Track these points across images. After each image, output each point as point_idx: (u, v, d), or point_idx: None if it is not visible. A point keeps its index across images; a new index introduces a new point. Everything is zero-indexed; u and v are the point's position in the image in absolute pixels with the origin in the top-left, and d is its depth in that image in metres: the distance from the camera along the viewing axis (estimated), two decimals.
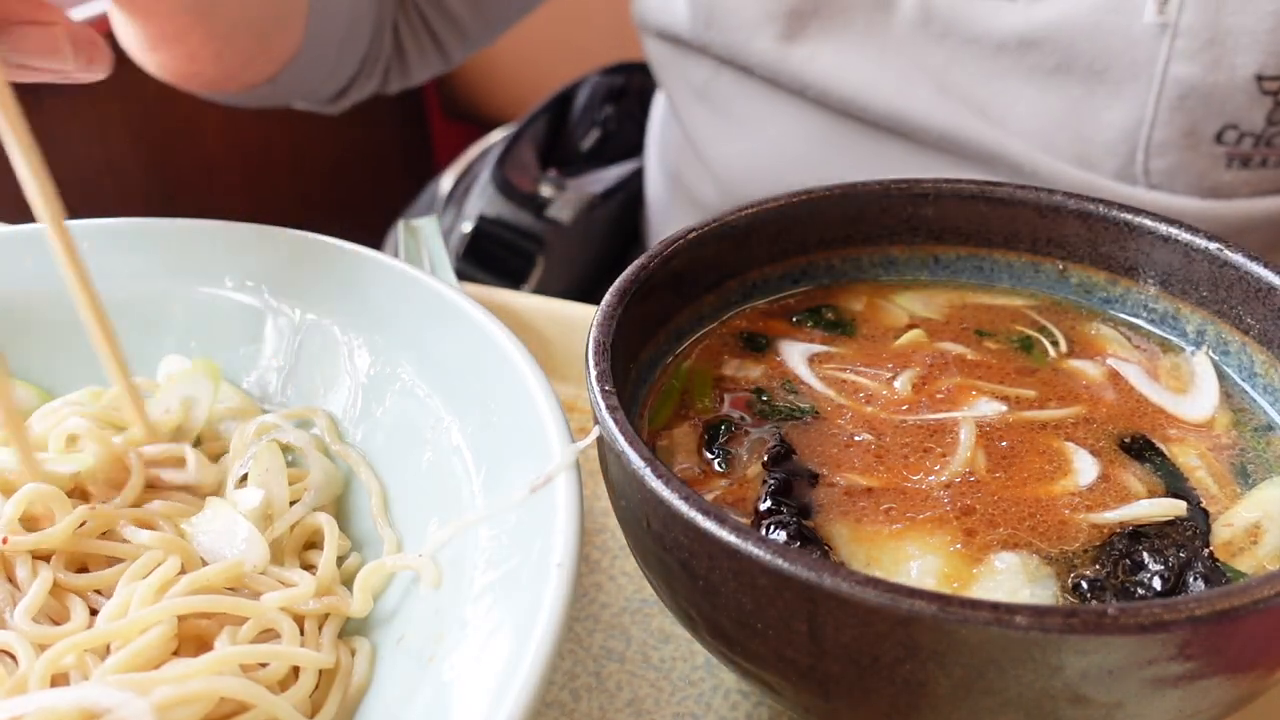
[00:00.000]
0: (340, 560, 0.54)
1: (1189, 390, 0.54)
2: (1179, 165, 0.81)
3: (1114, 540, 0.46)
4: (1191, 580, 0.44)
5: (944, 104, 0.85)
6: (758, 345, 0.57)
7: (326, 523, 0.54)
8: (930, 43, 0.83)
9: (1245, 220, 0.84)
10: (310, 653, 0.48)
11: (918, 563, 0.45)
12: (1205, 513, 0.47)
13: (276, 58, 0.88)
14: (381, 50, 1.02)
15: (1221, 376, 0.54)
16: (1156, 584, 0.44)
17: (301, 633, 0.50)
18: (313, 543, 0.55)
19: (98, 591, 0.50)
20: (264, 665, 0.48)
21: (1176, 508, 0.47)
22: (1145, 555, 0.45)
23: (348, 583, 0.52)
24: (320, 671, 0.49)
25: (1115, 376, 0.54)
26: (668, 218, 1.17)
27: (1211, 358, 0.55)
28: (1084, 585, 0.44)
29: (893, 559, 0.46)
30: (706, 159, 1.03)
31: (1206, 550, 0.45)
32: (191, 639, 0.48)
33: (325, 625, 0.50)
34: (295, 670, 0.48)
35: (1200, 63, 0.75)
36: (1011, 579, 0.44)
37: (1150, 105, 0.78)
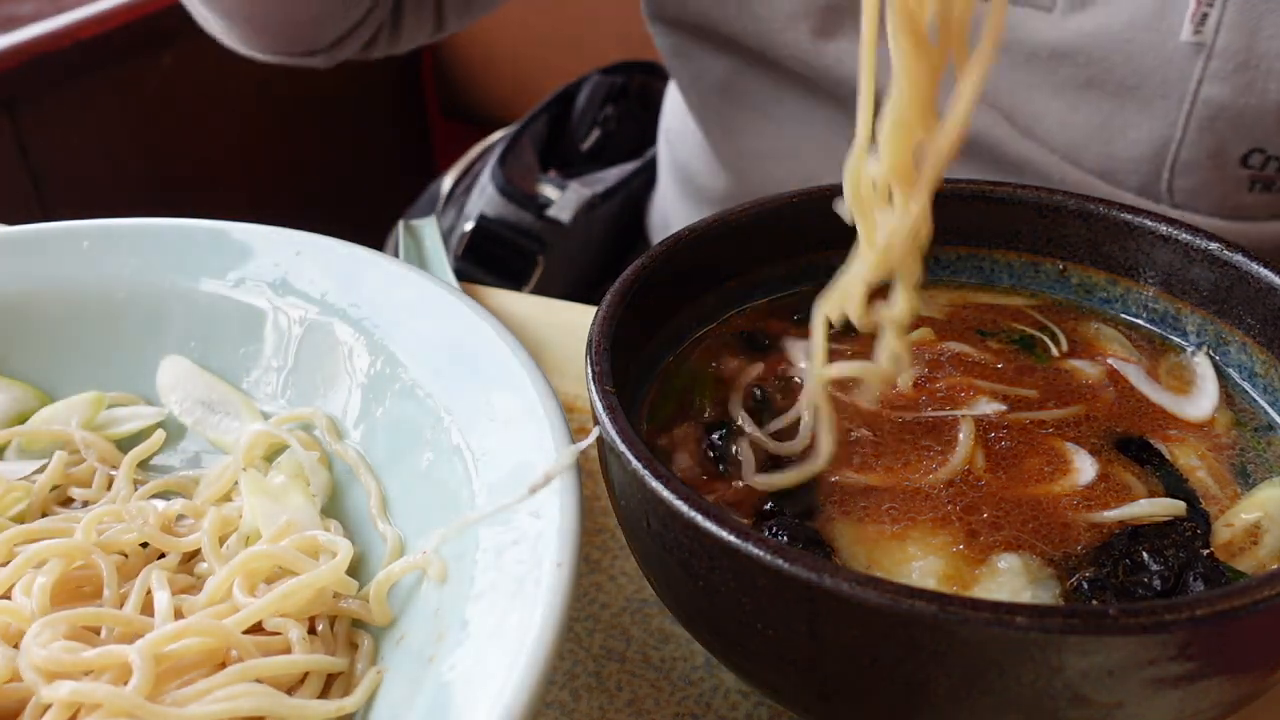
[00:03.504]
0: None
1: (1190, 390, 0.54)
2: (1203, 185, 0.81)
3: (1114, 540, 0.46)
4: (1191, 580, 0.44)
5: (977, 110, 0.84)
6: (758, 344, 0.57)
7: (336, 530, 0.55)
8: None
9: (1264, 242, 0.84)
10: (325, 658, 0.48)
11: (919, 563, 0.45)
12: (1205, 513, 0.47)
13: None
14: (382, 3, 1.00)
15: (1222, 376, 0.54)
16: (1156, 584, 0.44)
17: (313, 630, 0.50)
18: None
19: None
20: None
21: (1175, 507, 0.47)
22: (1145, 555, 0.45)
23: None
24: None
25: (1115, 376, 0.54)
26: (676, 213, 1.16)
27: (1212, 357, 0.55)
28: (1085, 586, 0.44)
29: (894, 560, 0.46)
30: (723, 155, 1.02)
31: (1206, 550, 0.45)
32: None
33: (335, 624, 0.51)
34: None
35: (1232, 85, 0.75)
36: (1013, 580, 0.44)
37: (1180, 124, 0.77)
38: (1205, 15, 0.73)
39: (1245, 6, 0.73)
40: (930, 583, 0.44)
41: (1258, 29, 0.73)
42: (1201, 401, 0.53)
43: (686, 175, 1.11)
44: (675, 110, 1.14)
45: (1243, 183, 0.80)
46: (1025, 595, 0.44)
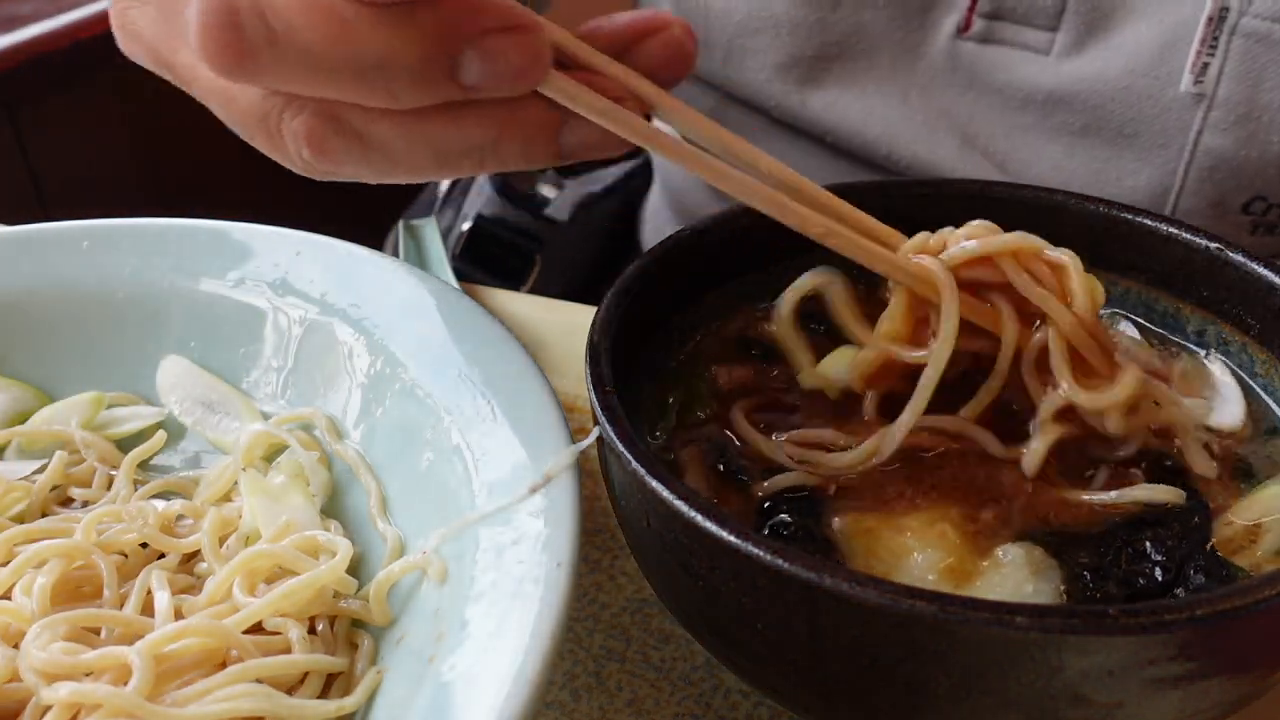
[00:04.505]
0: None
1: (1209, 395, 0.53)
2: None
3: (1115, 530, 0.46)
4: (1192, 573, 0.44)
5: (968, 157, 0.83)
6: (754, 349, 0.57)
7: (336, 530, 0.55)
8: (955, 90, 0.81)
9: None
10: (325, 658, 0.48)
11: (920, 555, 0.45)
12: (1206, 505, 0.47)
13: None
14: None
15: (1238, 379, 0.54)
16: (1158, 575, 0.44)
17: (313, 630, 0.50)
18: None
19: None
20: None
21: (1175, 494, 0.47)
22: (1147, 545, 0.45)
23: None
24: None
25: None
26: (670, 229, 1.16)
27: (1228, 364, 0.54)
28: (1087, 576, 0.44)
29: (894, 553, 0.46)
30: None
31: (1208, 544, 0.45)
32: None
33: (335, 624, 0.51)
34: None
35: (1233, 136, 0.74)
36: (1016, 572, 0.44)
37: (1179, 174, 0.76)
38: (1206, 65, 0.72)
39: (1247, 58, 0.72)
40: (931, 577, 0.44)
41: (1260, 81, 0.72)
42: (1230, 408, 0.53)
43: (677, 197, 1.11)
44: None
45: (1244, 228, 0.79)
46: (1028, 587, 0.44)
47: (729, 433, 0.52)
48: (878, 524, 0.47)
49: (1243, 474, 0.49)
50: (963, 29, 0.79)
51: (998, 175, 0.83)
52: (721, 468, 0.50)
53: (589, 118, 0.46)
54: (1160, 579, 0.44)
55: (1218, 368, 0.55)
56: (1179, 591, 0.43)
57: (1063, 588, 0.44)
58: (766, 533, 0.47)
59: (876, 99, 0.84)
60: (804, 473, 0.49)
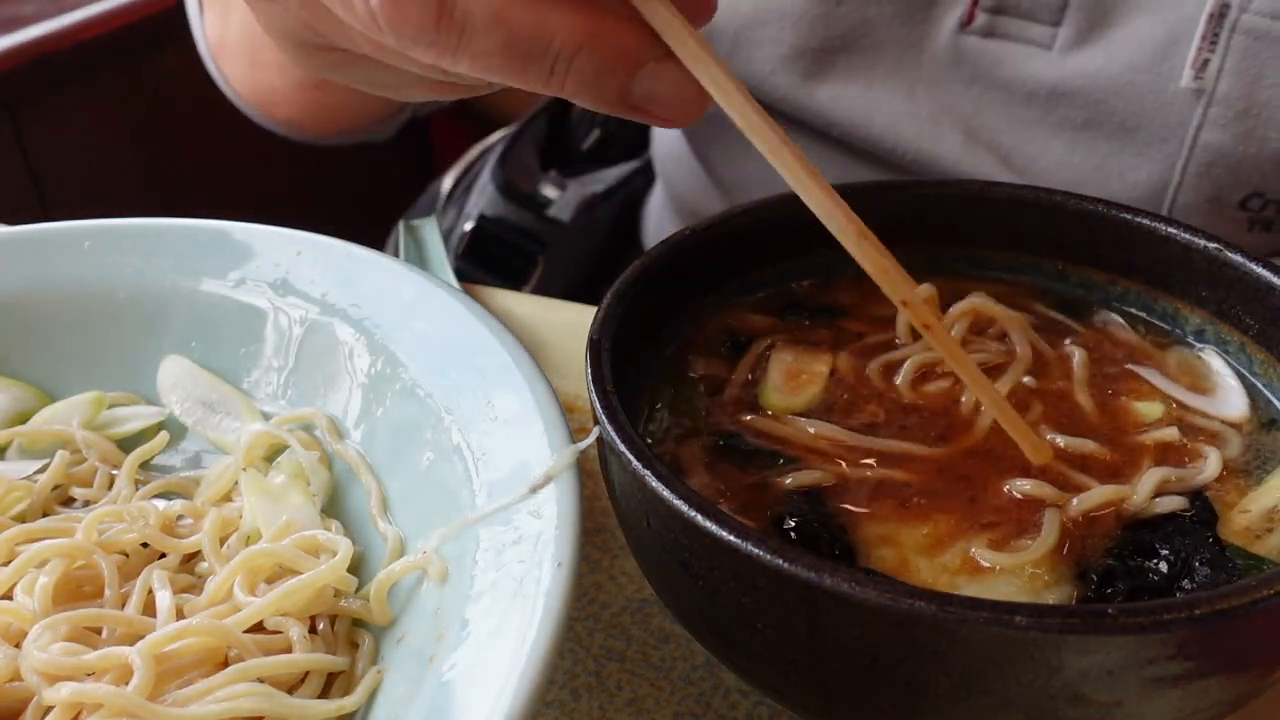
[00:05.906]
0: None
1: (1210, 388, 0.53)
2: (1201, 227, 0.80)
3: (1123, 527, 0.46)
4: (1197, 565, 0.44)
5: (972, 151, 0.83)
6: (741, 346, 0.57)
7: (337, 530, 0.55)
8: (959, 85, 0.81)
9: None
10: (326, 657, 0.49)
11: (940, 558, 0.45)
12: (1209, 501, 0.47)
13: None
14: None
15: (1236, 371, 0.54)
16: (1164, 568, 0.44)
17: (313, 629, 0.50)
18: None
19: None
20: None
21: (1179, 503, 0.47)
22: (1154, 543, 0.45)
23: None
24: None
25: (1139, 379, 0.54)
26: (672, 228, 1.16)
27: (1223, 356, 0.55)
28: (1093, 576, 0.44)
29: (906, 551, 0.46)
30: (719, 179, 1.02)
31: (1210, 536, 0.45)
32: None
33: (335, 623, 0.51)
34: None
35: (1232, 132, 0.74)
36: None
37: (1178, 169, 0.77)
38: (1206, 61, 0.73)
39: (1247, 54, 0.73)
40: (945, 577, 0.45)
41: (1259, 78, 0.73)
42: (1232, 399, 0.53)
43: (679, 197, 1.11)
44: (667, 134, 1.14)
45: (1241, 224, 0.79)
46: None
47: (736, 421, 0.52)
48: (897, 528, 0.47)
49: (1251, 465, 0.50)
50: (965, 23, 0.79)
51: (1002, 169, 0.83)
52: (728, 457, 0.51)
53: (677, 53, 0.43)
54: (1166, 572, 0.44)
55: (1215, 361, 0.55)
56: (1185, 584, 0.44)
57: (1071, 584, 0.44)
58: (791, 524, 0.47)
59: (881, 93, 0.84)
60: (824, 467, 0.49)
